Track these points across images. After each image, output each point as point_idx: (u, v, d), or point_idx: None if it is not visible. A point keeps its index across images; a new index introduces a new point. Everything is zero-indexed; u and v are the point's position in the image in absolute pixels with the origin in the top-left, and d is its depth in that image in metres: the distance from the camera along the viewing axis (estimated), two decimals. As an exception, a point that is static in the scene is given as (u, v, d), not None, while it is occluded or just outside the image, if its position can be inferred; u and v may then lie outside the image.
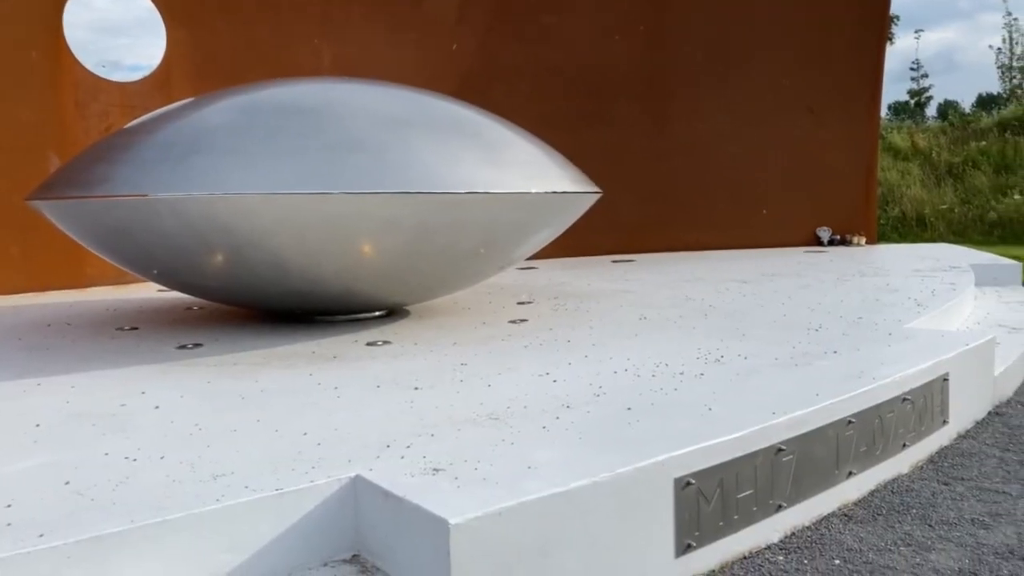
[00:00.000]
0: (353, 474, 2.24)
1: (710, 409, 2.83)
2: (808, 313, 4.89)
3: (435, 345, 4.07)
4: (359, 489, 2.22)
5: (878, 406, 3.09)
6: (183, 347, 4.14)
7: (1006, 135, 17.31)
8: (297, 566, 2.15)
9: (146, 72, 7.41)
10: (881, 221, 14.44)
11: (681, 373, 3.39)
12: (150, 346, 4.22)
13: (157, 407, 2.99)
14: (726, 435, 2.52)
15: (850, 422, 2.95)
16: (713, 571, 2.46)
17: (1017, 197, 15.18)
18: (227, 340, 4.31)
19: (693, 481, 2.40)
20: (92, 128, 6.83)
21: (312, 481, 2.19)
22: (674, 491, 2.36)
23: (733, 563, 2.51)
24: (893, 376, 3.23)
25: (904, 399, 3.25)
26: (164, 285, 5.16)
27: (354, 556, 2.22)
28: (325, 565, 2.18)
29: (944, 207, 15.45)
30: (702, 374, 3.37)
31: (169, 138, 4.18)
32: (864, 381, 3.14)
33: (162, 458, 2.40)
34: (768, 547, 2.62)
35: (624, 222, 9.34)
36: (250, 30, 7.76)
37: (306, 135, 4.02)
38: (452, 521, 1.90)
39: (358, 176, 3.85)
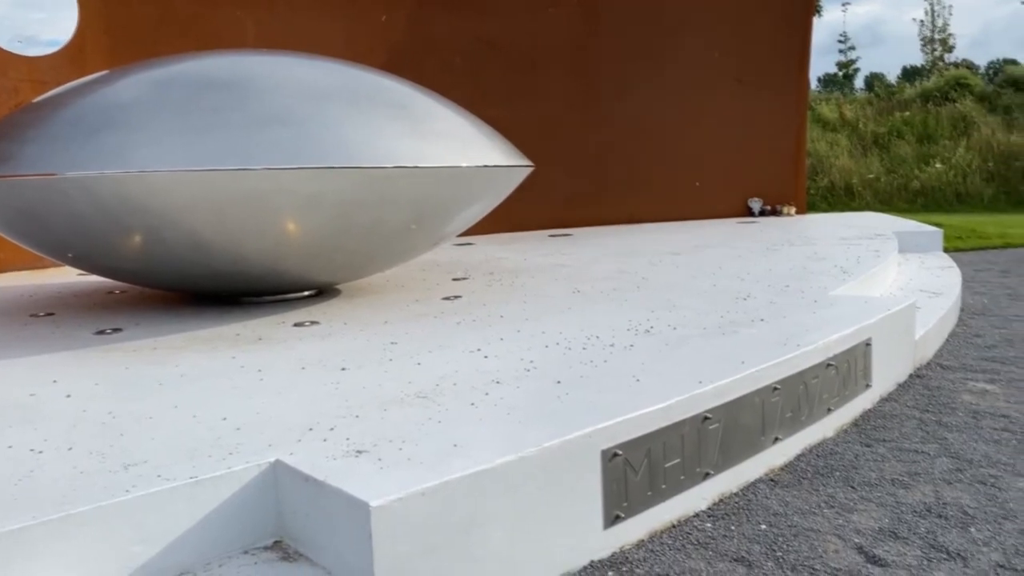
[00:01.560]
0: (273, 459, 2.17)
1: (638, 380, 2.84)
2: (738, 283, 4.95)
3: (365, 324, 4.00)
4: (279, 474, 2.16)
5: (803, 372, 3.15)
6: (101, 332, 3.98)
7: (928, 106, 17.83)
8: (216, 555, 2.08)
9: (58, 46, 7.07)
10: (811, 191, 14.77)
11: (611, 345, 3.39)
12: (66, 332, 4.04)
13: (69, 396, 2.86)
14: (653, 405, 2.52)
15: (776, 389, 2.99)
16: (642, 541, 2.48)
17: (939, 166, 15.68)
18: (148, 324, 4.16)
19: (620, 452, 2.40)
20: (1, 105, 6.49)
21: (229, 468, 2.11)
22: (601, 463, 2.35)
23: (662, 532, 2.53)
24: (817, 343, 3.28)
25: (828, 365, 3.31)
26: (82, 269, 4.96)
27: (276, 542, 2.16)
28: (245, 553, 2.11)
29: (871, 176, 15.86)
30: (632, 345, 3.38)
31: (79, 114, 3.98)
32: (789, 348, 3.19)
33: (70, 449, 2.29)
34: (696, 515, 2.65)
35: (560, 196, 9.35)
36: (169, 1, 7.45)
37: (223, 109, 3.87)
38: (373, 503, 1.86)
39: (278, 151, 3.73)
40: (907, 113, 17.66)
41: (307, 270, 4.37)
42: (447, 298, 4.70)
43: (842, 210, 13.69)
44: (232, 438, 2.34)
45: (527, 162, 4.77)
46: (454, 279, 5.50)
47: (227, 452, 2.22)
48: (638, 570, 2.32)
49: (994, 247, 9.81)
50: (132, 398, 2.82)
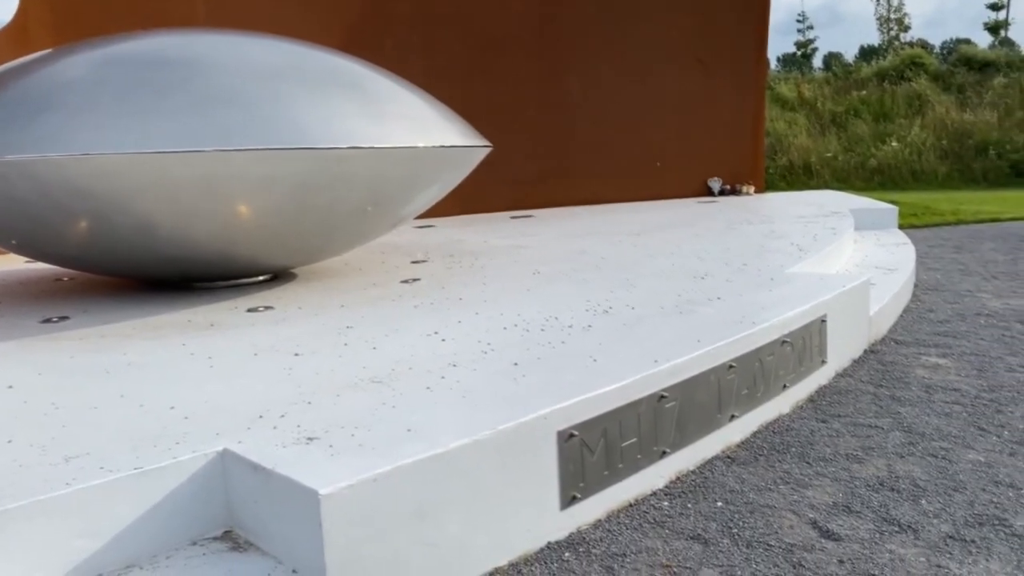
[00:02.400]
0: (221, 448, 2.12)
1: (595, 360, 2.82)
2: (696, 262, 4.97)
3: (320, 309, 3.94)
4: (228, 463, 2.11)
5: (759, 349, 3.16)
6: (47, 321, 3.87)
7: (884, 85, 18.06)
8: (163, 547, 2.03)
9: (0, 24, 6.83)
10: (769, 170, 14.90)
11: (570, 326, 3.38)
12: (10, 321, 3.92)
13: (11, 387, 2.77)
14: (609, 386, 2.51)
15: (731, 366, 3.00)
16: (599, 521, 2.47)
17: (895, 144, 15.91)
18: (97, 312, 4.05)
19: (576, 433, 2.39)
20: (-61, 87, 6.24)
21: (175, 457, 2.06)
22: (557, 444, 2.34)
23: (619, 511, 2.53)
24: (773, 320, 3.30)
25: (784, 342, 3.33)
26: (27, 256, 4.81)
27: (226, 532, 2.11)
28: (194, 544, 2.06)
29: (829, 155, 16.05)
30: (590, 326, 3.36)
31: (19, 95, 3.84)
32: (745, 326, 3.20)
33: (10, 442, 2.21)
34: (653, 493, 2.65)
35: (521, 177, 9.31)
36: (115, -21, 7.22)
37: (172, 89, 3.76)
38: (322, 491, 1.82)
39: (229, 132, 3.63)
40: (864, 92, 17.88)
41: (261, 254, 4.29)
42: (405, 281, 4.64)
43: (800, 188, 13.85)
44: (179, 427, 2.28)
45: (485, 142, 4.72)
46: (413, 262, 5.45)
47: (174, 442, 2.16)
48: (595, 550, 2.31)
49: (947, 224, 9.99)
50: (76, 388, 2.74)
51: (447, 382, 2.64)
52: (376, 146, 3.92)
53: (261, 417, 2.35)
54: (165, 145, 3.55)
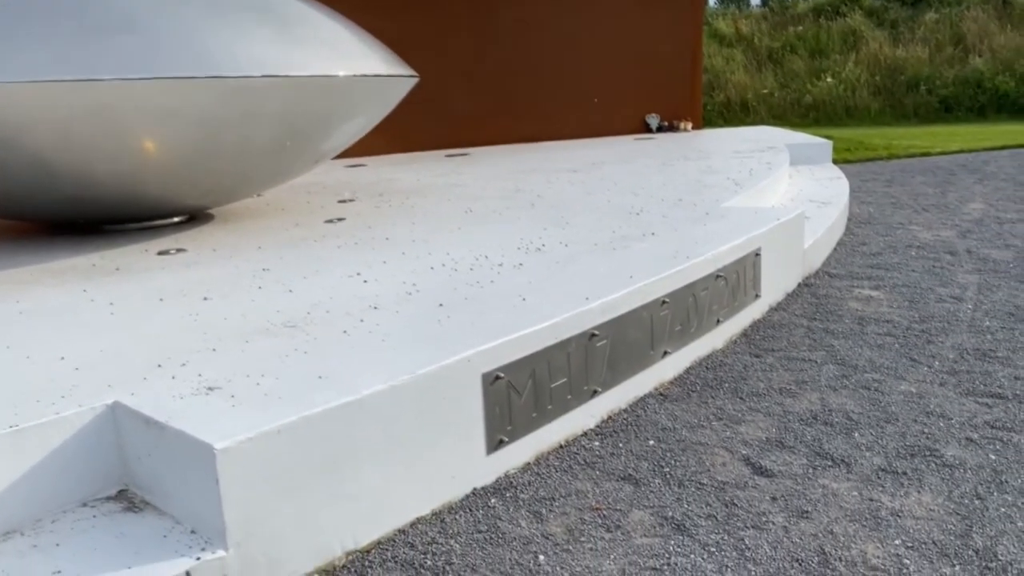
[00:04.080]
0: (111, 401, 1.94)
1: (524, 300, 2.69)
2: (632, 198, 4.86)
3: (236, 251, 3.71)
4: (119, 417, 1.93)
5: (692, 285, 3.08)
6: (-65, 269, 3.56)
7: (820, 20, 18.07)
8: (48, 511, 1.85)
9: None
10: (707, 107, 14.84)
11: (500, 265, 3.23)
12: None
13: None
14: (536, 325, 2.39)
15: (664, 302, 2.91)
16: (528, 464, 2.38)
17: (829, 80, 15.99)
18: (-8, 258, 3.75)
19: (502, 375, 2.26)
20: None
21: (58, 413, 1.87)
22: (482, 387, 2.22)
23: (548, 454, 2.44)
24: (707, 254, 3.21)
25: (718, 276, 3.25)
26: (-85, 199, 4.43)
27: (121, 492, 1.95)
28: (84, 505, 1.89)
29: (765, 92, 16.06)
30: (521, 264, 3.23)
31: None
32: (679, 261, 3.11)
33: None
34: (584, 434, 2.56)
35: (456, 114, 9.04)
36: None
37: (62, 14, 3.42)
38: (218, 446, 1.66)
39: (127, 60, 3.33)
40: (800, 28, 17.86)
41: (170, 194, 4.01)
42: (330, 221, 4.43)
43: (737, 125, 13.83)
44: (67, 380, 2.08)
45: (411, 72, 4.48)
46: (340, 201, 5.21)
47: (59, 396, 1.97)
48: (523, 495, 2.22)
49: (880, 159, 10.09)
50: (-42, 340, 2.50)
51: (366, 325, 2.48)
52: (290, 75, 3.66)
53: (160, 366, 2.16)
54: (55, 74, 3.24)
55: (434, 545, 1.99)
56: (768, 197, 5.44)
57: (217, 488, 1.67)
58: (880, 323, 3.59)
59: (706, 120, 12.05)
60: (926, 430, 2.53)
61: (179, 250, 3.77)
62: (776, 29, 18.07)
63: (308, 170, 4.68)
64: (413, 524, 2.07)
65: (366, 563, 1.92)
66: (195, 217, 4.64)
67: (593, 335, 2.58)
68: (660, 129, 10.40)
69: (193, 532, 1.76)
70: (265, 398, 1.91)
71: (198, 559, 1.67)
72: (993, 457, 2.34)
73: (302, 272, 3.23)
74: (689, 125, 10.46)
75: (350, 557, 1.93)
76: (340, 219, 4.48)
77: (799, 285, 4.22)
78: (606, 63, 9.93)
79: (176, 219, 4.50)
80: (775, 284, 3.86)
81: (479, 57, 9.26)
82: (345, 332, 2.42)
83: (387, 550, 1.96)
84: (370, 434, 1.95)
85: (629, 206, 4.53)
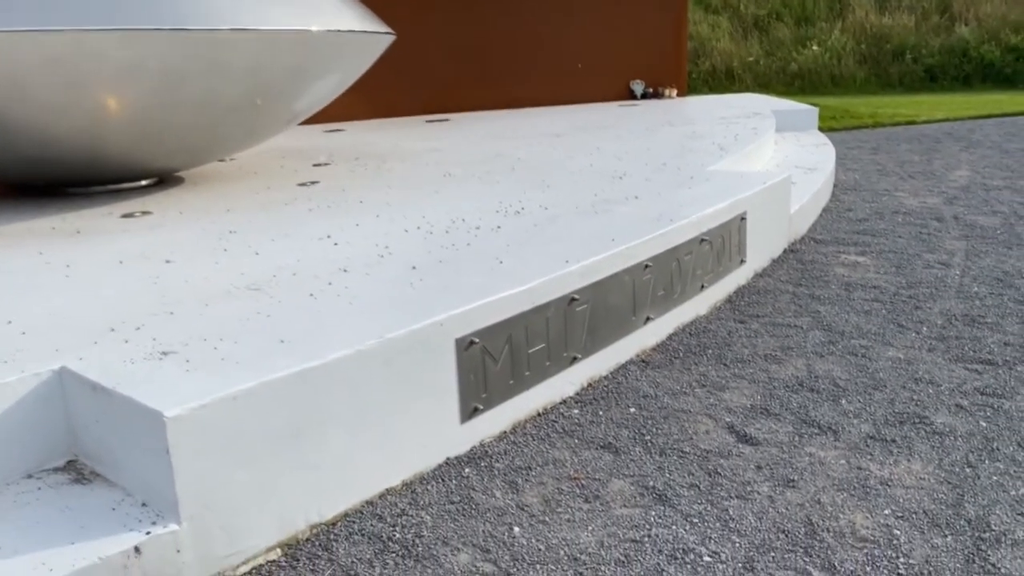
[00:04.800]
0: (58, 366, 1.81)
1: (501, 263, 2.58)
2: (615, 162, 4.73)
3: (204, 214, 3.57)
4: (67, 384, 1.81)
5: (676, 248, 2.97)
6: None
7: (807, -13, 17.83)
8: (-10, 483, 1.74)
9: None
10: (692, 75, 14.67)
11: (477, 228, 3.12)
12: None
13: None
14: (513, 288, 2.28)
15: (647, 266, 2.81)
16: (504, 433, 2.28)
17: (815, 48, 15.84)
18: (-53, 220, 3.59)
19: (477, 340, 2.16)
20: None
21: (0, 379, 1.74)
22: (456, 353, 2.11)
23: (525, 422, 2.34)
24: (691, 217, 3.11)
25: (702, 240, 3.15)
26: None
27: (69, 463, 1.83)
28: (29, 477, 1.78)
29: (751, 59, 15.89)
30: (499, 227, 3.11)
31: None
32: (662, 224, 3.00)
33: None
34: (563, 401, 2.47)
35: (438, 80, 8.84)
36: None
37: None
38: (168, 413, 1.55)
39: (85, 10, 3.16)
40: (786, -5, 17.63)
41: (134, 154, 3.85)
42: (303, 184, 4.28)
43: (722, 93, 13.68)
44: (12, 344, 1.96)
45: (387, 30, 4.32)
46: (315, 165, 5.06)
47: (1, 361, 1.84)
48: (498, 464, 2.12)
49: (865, 127, 10.00)
50: (-99, 304, 2.36)
51: (334, 288, 2.36)
52: (260, 28, 3.50)
53: (113, 330, 2.04)
54: (7, 23, 3.06)
55: (404, 517, 1.89)
56: (754, 162, 5.34)
57: (168, 458, 1.55)
58: (867, 289, 3.51)
59: (691, 88, 11.90)
60: (915, 397, 2.46)
61: (144, 213, 3.62)
62: (762, -4, 17.84)
63: (281, 131, 4.53)
64: (382, 495, 1.97)
65: (331, 536, 1.82)
66: (164, 180, 4.48)
67: (573, 299, 2.48)
68: (645, 96, 10.24)
69: (144, 505, 1.65)
70: (222, 363, 1.79)
71: (148, 533, 1.56)
72: (984, 424, 2.27)
73: (270, 235, 3.10)
74: (674, 92, 10.31)
75: (315, 530, 1.84)
76: (313, 182, 4.33)
77: (785, 251, 4.14)
78: (591, 28, 9.75)
79: (143, 182, 4.34)
80: (761, 249, 3.77)
81: (460, 20, 9.05)
82: (311, 295, 2.30)
83: (354, 523, 1.87)
84: (335, 401, 1.84)
85: (612, 170, 4.41)
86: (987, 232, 4.45)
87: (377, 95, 8.34)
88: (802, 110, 8.10)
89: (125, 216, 3.56)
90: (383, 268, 2.58)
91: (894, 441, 2.19)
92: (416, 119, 8.57)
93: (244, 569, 1.70)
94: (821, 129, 8.25)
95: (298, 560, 1.74)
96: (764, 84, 15.22)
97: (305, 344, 1.89)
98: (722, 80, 15.64)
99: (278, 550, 1.76)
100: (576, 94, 9.83)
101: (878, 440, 2.20)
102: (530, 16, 9.39)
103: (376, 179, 4.43)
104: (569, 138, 6.16)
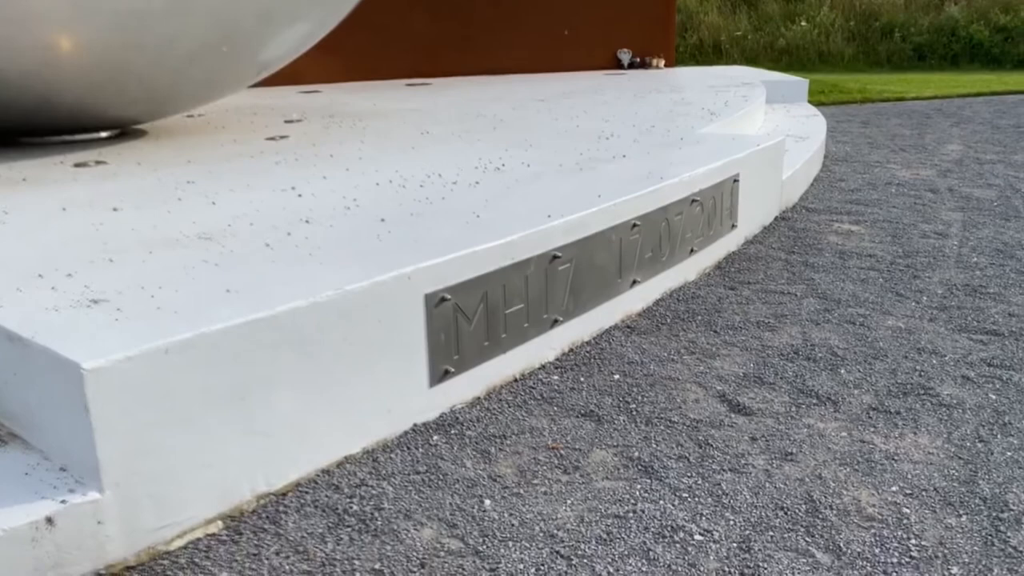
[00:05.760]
0: (-29, 314, 1.60)
1: (478, 216, 2.39)
2: (601, 124, 4.53)
3: (163, 165, 3.33)
4: (-20, 333, 1.60)
5: (665, 208, 2.79)
6: None
7: (797, -38, 17.59)
8: None
9: None
10: (679, 49, 14.42)
11: (454, 183, 2.91)
12: None
13: None
14: (491, 242, 2.08)
15: (635, 225, 2.62)
16: (477, 399, 2.10)
17: (803, 24, 15.63)
18: None
19: (449, 297, 1.97)
20: None
21: (-100, 327, 1.53)
22: (425, 309, 1.92)
23: (501, 388, 2.16)
24: (682, 175, 2.92)
25: (693, 200, 2.97)
26: None
27: (-15, 423, 1.63)
28: (-63, 438, 1.57)
29: (738, 34, 15.66)
30: (477, 183, 2.91)
31: None
32: (651, 181, 2.81)
33: None
34: (542, 367, 2.29)
35: (420, 43, 8.57)
36: None
37: None
38: (86, 365, 1.35)
39: (29, -61, 2.91)
40: (776, -31, 17.37)
41: (91, 101, 3.59)
42: (272, 138, 4.04)
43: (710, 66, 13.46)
44: (-76, 290, 1.74)
45: (362, -23, 4.07)
46: (286, 121, 4.81)
47: (-93, 307, 1.63)
48: (470, 431, 1.94)
49: (854, 102, 9.83)
50: None
51: (293, 239, 2.16)
52: (223, -34, 3.25)
53: (40, 276, 1.82)
54: (-58, -50, 2.80)
55: (363, 488, 1.71)
56: (744, 129, 5.15)
57: (87, 416, 1.35)
58: (862, 257, 3.35)
59: (678, 61, 11.66)
60: (918, 367, 2.30)
61: (99, 162, 3.38)
62: (752, -30, 17.57)
63: (249, 82, 4.28)
64: (340, 464, 1.78)
65: (280, 508, 1.63)
66: (126, 133, 4.22)
67: (555, 257, 2.29)
68: (632, 65, 10.00)
69: (63, 470, 1.45)
70: (158, 312, 1.59)
71: (63, 502, 1.36)
72: (993, 397, 2.11)
73: (230, 186, 2.88)
74: (662, 62, 10.08)
75: (262, 501, 1.65)
76: (283, 137, 4.09)
77: (776, 218, 3.96)
78: (577, -6, 9.48)
79: (103, 134, 4.09)
80: (752, 215, 3.59)
81: (443, -18, 8.76)
82: (267, 245, 2.09)
83: (307, 493, 1.68)
84: (287, 357, 1.64)
85: (599, 131, 4.21)
86: (983, 204, 4.30)
87: (356, 58, 8.07)
88: (792, 81, 7.92)
89: (78, 165, 3.32)
90: (349, 220, 2.37)
91: (899, 413, 2.03)
92: (396, 83, 8.30)
93: (179, 543, 1.51)
94: (810, 103, 8.08)
95: (241, 534, 1.55)
96: (751, 59, 15.00)
97: (254, 294, 1.69)
98: (709, 54, 15.41)
99: (219, 522, 1.57)
100: (562, 62, 9.58)
101: (881, 412, 2.04)
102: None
103: (350, 135, 4.20)
104: (554, 103, 5.94)
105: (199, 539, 1.54)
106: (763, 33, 15.74)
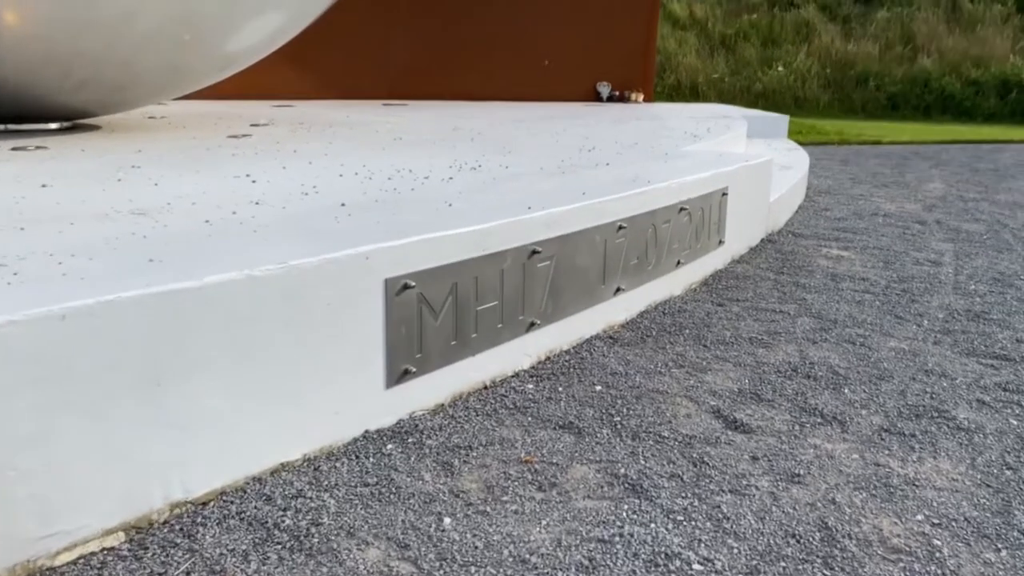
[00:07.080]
0: None
1: (450, 205, 2.15)
2: (581, 140, 4.35)
3: (110, 152, 3.07)
4: None
5: (653, 213, 2.58)
6: None
7: (774, 10, 17.87)
8: None
9: None
10: (657, 88, 14.45)
11: (426, 178, 2.68)
12: None
13: None
14: (462, 227, 1.85)
15: (621, 228, 2.40)
16: (441, 405, 1.84)
17: (780, 69, 15.79)
18: None
19: (413, 284, 1.72)
20: None
21: None
22: (385, 296, 1.67)
23: (468, 395, 1.91)
24: (670, 181, 2.71)
25: (681, 208, 2.76)
26: None
27: None
28: None
29: (716, 76, 15.77)
30: (451, 179, 2.68)
31: None
32: (639, 184, 2.60)
33: None
34: (516, 374, 2.04)
35: (398, 65, 8.43)
36: None
37: None
38: (-49, 325, 1.08)
39: None
40: (754, 16, 17.63)
41: (36, 83, 3.32)
42: (234, 136, 3.80)
43: (688, 107, 13.47)
44: None
45: (338, -27, 3.88)
46: (253, 125, 4.57)
47: None
48: (430, 441, 1.68)
49: (831, 143, 9.82)
50: None
51: (238, 217, 1.91)
52: (186, -57, 3.03)
53: (-69, 241, 1.55)
54: None
55: (299, 500, 1.44)
56: (728, 151, 5.00)
57: (-52, 392, 1.09)
58: (855, 280, 3.16)
59: (655, 100, 11.64)
60: (928, 389, 2.09)
61: (40, 148, 3.10)
62: (730, 16, 17.80)
63: (212, 79, 4.04)
64: (275, 471, 1.52)
65: (198, 520, 1.36)
66: (79, 128, 3.95)
67: (535, 252, 2.05)
68: (611, 98, 9.92)
69: (-79, 461, 1.18)
70: (62, 279, 1.33)
71: (-88, 499, 1.09)
72: (1015, 422, 1.90)
73: (179, 171, 2.62)
74: (641, 96, 10.01)
75: (176, 511, 1.37)
76: (246, 135, 3.85)
77: (762, 240, 3.78)
78: (559, 25, 9.41)
79: (53, 125, 3.81)
80: (739, 232, 3.40)
81: (425, 10, 8.65)
82: (207, 222, 1.84)
83: (232, 503, 1.41)
84: (214, 339, 1.38)
85: (580, 145, 4.02)
86: (973, 236, 4.16)
87: (334, 76, 7.89)
88: (772, 117, 7.87)
89: (16, 149, 3.05)
90: (305, 203, 2.13)
91: (913, 436, 1.81)
92: (374, 103, 8.12)
93: (66, 558, 1.24)
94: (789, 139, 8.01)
95: (146, 549, 1.28)
96: (728, 100, 15.07)
97: (179, 265, 1.44)
98: (686, 95, 15.47)
99: (120, 534, 1.30)
100: (540, 92, 9.47)
101: (894, 434, 1.82)
102: (496, 6, 9.03)
103: (318, 137, 3.96)
104: (532, 124, 5.77)
105: (93, 553, 1.26)
106: (740, 77, 15.88)
